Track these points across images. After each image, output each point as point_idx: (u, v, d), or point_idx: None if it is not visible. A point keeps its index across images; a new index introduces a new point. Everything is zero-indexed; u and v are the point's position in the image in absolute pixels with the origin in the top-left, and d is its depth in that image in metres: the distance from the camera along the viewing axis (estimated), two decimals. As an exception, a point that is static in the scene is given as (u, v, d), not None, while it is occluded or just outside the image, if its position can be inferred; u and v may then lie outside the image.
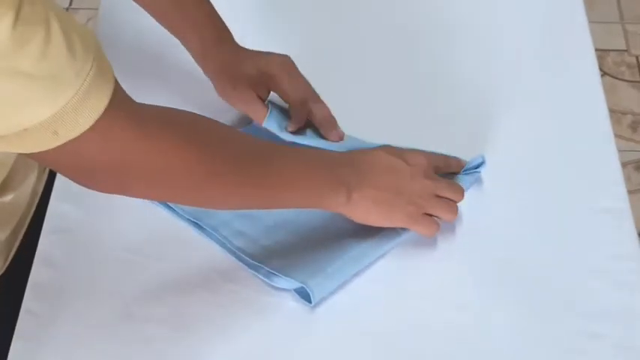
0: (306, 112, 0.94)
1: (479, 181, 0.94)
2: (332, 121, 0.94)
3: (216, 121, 0.80)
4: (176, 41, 1.08)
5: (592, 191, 0.95)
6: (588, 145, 0.99)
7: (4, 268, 0.96)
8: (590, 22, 1.11)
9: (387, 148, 0.89)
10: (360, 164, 0.85)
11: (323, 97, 0.95)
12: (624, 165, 1.38)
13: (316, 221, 0.90)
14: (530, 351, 0.83)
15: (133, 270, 0.88)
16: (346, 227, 0.90)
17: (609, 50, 2.22)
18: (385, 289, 0.87)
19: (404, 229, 0.89)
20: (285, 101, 0.95)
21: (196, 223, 0.90)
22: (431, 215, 0.87)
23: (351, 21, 1.12)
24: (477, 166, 0.93)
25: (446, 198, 0.88)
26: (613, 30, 2.27)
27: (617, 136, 1.03)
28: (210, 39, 0.95)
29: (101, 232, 0.91)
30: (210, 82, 0.97)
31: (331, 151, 0.90)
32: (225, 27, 0.96)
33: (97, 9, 1.13)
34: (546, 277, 0.88)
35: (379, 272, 0.88)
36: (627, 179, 1.74)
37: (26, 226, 1.00)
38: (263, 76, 0.93)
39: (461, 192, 0.89)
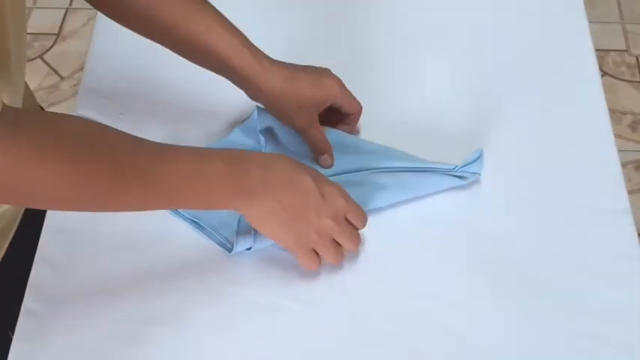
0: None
1: (478, 180, 0.94)
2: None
3: (102, 128, 0.76)
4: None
5: (592, 191, 0.95)
6: (588, 145, 0.99)
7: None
8: (590, 22, 1.11)
9: (314, 173, 0.85)
10: (274, 173, 0.82)
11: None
12: (624, 165, 1.38)
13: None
14: (529, 351, 0.83)
15: (132, 270, 0.88)
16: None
17: (609, 50, 2.22)
18: (385, 289, 0.87)
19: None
20: (345, 112, 0.98)
21: (197, 223, 0.90)
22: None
23: (349, 21, 1.12)
24: (475, 160, 0.93)
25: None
26: (613, 30, 2.27)
27: (617, 136, 1.03)
28: (255, 64, 0.92)
29: (101, 232, 0.91)
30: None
31: (252, 150, 0.85)
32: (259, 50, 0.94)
33: (97, 9, 1.13)
34: (546, 277, 0.88)
35: (379, 272, 0.88)
36: (627, 179, 1.74)
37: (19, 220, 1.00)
38: (326, 97, 0.95)
39: (356, 242, 0.87)
